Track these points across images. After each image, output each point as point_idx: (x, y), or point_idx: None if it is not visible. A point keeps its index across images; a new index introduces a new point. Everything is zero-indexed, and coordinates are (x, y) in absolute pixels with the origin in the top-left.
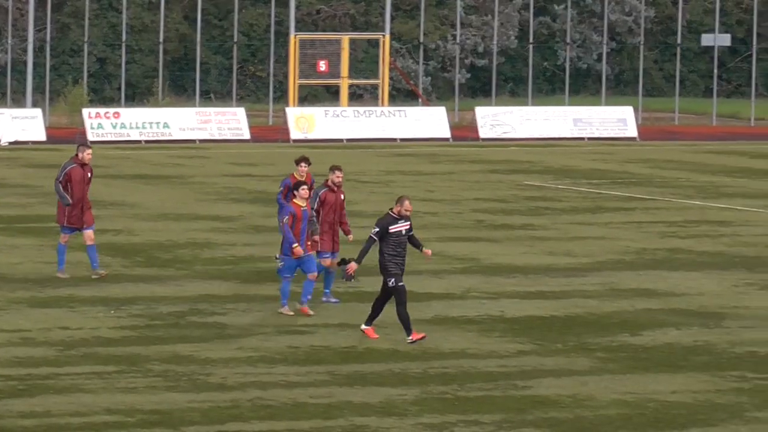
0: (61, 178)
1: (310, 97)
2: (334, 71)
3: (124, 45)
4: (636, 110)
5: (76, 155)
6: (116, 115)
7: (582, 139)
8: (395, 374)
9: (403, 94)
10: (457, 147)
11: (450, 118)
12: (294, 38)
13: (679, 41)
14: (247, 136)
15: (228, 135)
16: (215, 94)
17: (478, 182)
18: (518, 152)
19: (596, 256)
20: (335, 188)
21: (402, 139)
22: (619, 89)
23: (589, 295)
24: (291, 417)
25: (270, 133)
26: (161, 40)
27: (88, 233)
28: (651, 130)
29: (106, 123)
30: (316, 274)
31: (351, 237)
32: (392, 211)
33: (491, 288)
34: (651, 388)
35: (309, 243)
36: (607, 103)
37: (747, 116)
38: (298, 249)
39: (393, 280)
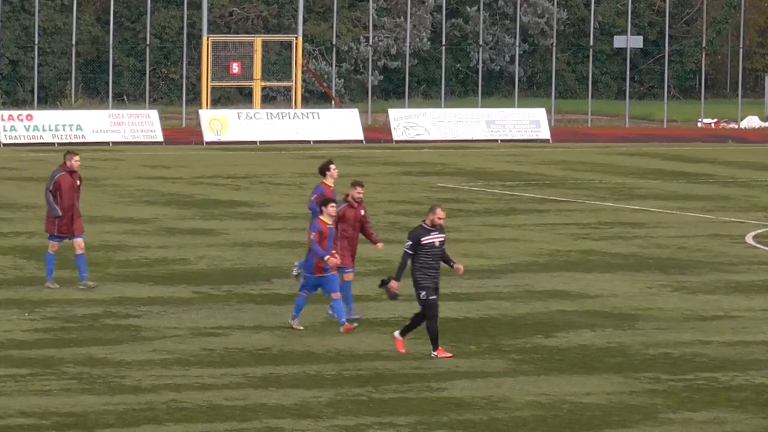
0: (51, 187)
1: (223, 99)
2: (247, 73)
3: (36, 47)
4: (549, 112)
5: (64, 163)
6: (29, 117)
7: (495, 141)
8: (310, 376)
9: (316, 96)
10: (370, 149)
11: (363, 120)
12: (207, 40)
13: (591, 43)
14: (160, 138)
15: (141, 137)
16: (128, 97)
17: (391, 184)
18: (431, 154)
19: (510, 257)
20: (355, 204)
21: (315, 141)
22: (532, 91)
23: (502, 296)
24: (206, 419)
25: (183, 135)
26: (74, 42)
27: (78, 242)
28: (564, 131)
29: (19, 125)
30: (339, 293)
31: (381, 245)
32: (425, 223)
33: (405, 290)
34: (565, 390)
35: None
36: (520, 105)
37: (660, 118)
38: (332, 260)
39: (424, 293)
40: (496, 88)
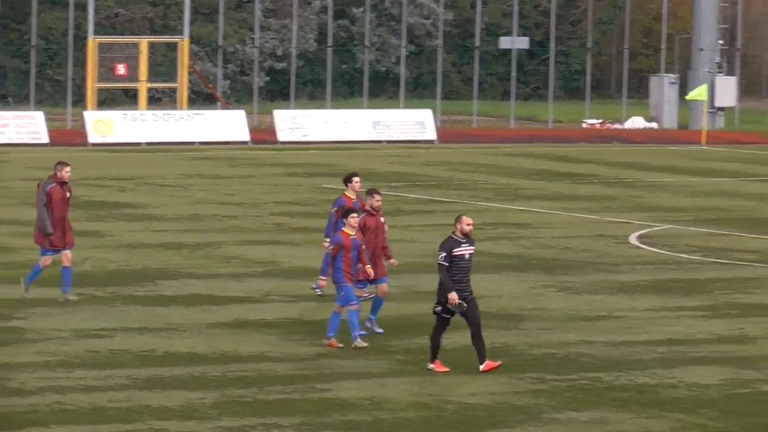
0: (44, 200)
1: (108, 100)
2: (132, 75)
3: None
4: (434, 113)
5: (55, 174)
6: None
7: (381, 142)
8: (195, 378)
9: (202, 98)
10: (256, 150)
11: (249, 122)
12: (92, 42)
13: (477, 44)
14: (45, 140)
15: (26, 139)
16: (13, 98)
17: (277, 185)
18: (317, 155)
19: (395, 258)
20: (374, 212)
21: (201, 143)
22: (418, 92)
23: (388, 297)
24: (90, 421)
25: (69, 137)
26: None
27: (67, 254)
28: (449, 132)
29: None
30: (357, 305)
31: (395, 262)
32: (454, 233)
33: (290, 291)
34: (450, 391)
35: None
36: (406, 106)
37: (545, 119)
38: (323, 282)
39: (440, 308)
40: (381, 89)
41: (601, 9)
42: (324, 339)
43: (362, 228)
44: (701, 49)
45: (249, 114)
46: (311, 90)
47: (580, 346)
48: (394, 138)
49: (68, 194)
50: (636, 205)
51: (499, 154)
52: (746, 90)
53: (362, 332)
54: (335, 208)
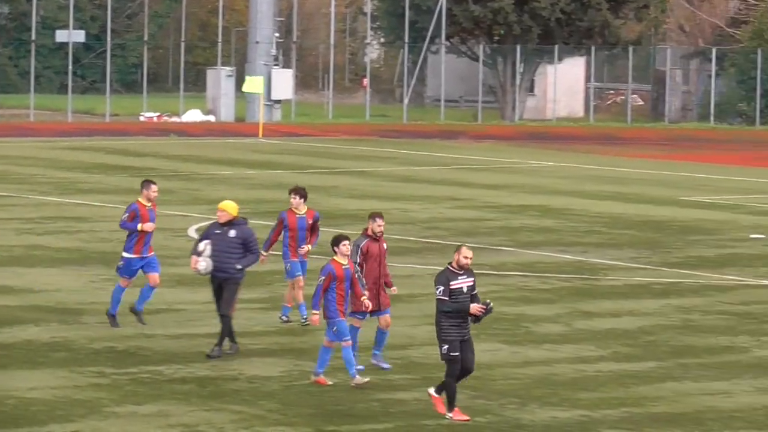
0: None
1: None
2: None
3: None
4: None
5: None
6: None
7: None
8: None
9: None
10: None
11: None
12: None
13: (33, 37)
14: None
15: None
16: None
17: None
18: None
19: None
20: (377, 238)
21: None
22: None
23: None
24: None
25: None
26: None
27: None
28: (6, 126)
29: None
30: (350, 340)
31: (395, 289)
32: (450, 265)
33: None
34: (10, 385)
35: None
36: None
37: (102, 112)
38: (315, 318)
39: (447, 347)
40: None
41: (157, 2)
42: (312, 375)
43: (365, 255)
44: (257, 42)
45: None
46: None
47: (140, 339)
48: None
49: None
50: (195, 198)
51: (56, 148)
52: (302, 82)
53: (359, 366)
54: (276, 229)
